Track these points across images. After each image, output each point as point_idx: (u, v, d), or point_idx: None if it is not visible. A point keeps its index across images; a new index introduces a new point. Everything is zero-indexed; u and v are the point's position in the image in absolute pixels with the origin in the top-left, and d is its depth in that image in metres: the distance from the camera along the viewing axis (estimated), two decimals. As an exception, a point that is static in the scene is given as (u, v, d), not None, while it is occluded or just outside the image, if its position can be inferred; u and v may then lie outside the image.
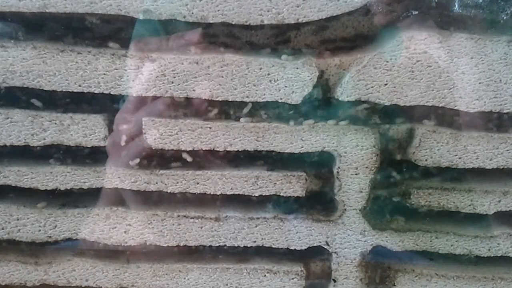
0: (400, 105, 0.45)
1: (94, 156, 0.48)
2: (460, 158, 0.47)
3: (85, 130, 0.46)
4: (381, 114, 0.47)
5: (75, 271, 0.50)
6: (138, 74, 0.44)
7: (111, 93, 0.45)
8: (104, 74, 0.44)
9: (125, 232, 0.49)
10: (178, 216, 0.49)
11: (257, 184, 0.48)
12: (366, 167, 0.47)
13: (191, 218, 0.49)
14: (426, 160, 0.47)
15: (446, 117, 0.47)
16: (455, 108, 0.45)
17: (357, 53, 0.45)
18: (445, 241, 0.49)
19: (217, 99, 0.45)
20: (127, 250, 0.50)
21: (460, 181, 0.48)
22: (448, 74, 0.44)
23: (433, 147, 0.46)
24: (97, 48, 0.44)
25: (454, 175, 0.48)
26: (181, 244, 0.49)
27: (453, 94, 0.44)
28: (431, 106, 0.45)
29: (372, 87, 0.44)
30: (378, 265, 0.51)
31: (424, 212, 0.49)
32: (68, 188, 0.48)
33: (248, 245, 0.49)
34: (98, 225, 0.48)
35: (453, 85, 0.44)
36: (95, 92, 0.45)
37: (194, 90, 0.44)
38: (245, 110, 0.45)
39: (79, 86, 0.44)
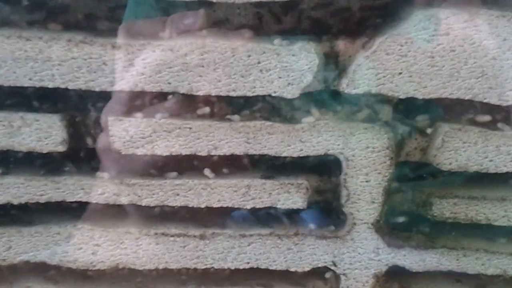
0: (418, 98, 0.42)
1: (52, 164, 0.45)
2: (491, 161, 0.44)
3: (39, 132, 0.43)
4: (395, 109, 0.45)
5: (35, 300, 0.49)
6: (100, 64, 0.41)
7: (69, 87, 0.41)
8: (59, 64, 0.41)
9: (92, 253, 0.46)
10: (156, 234, 0.46)
11: (249, 195, 0.45)
12: (379, 173, 0.45)
13: (171, 236, 0.46)
14: (450, 163, 0.44)
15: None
16: (485, 101, 0.42)
17: (365, 36, 0.42)
18: (474, 259, 0.47)
19: (197, 94, 0.42)
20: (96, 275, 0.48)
21: (492, 188, 0.46)
22: (476, 60, 0.41)
23: (459, 148, 0.44)
24: (50, 33, 0.41)
25: (484, 181, 0.46)
26: (160, 267, 0.47)
27: (481, 85, 0.41)
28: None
29: (384, 77, 0.42)
30: (395, 288, 0.50)
31: (449, 225, 0.47)
32: (22, 202, 0.45)
33: (240, 267, 0.47)
34: (60, 246, 0.46)
35: (481, 74, 0.41)
36: (49, 86, 0.41)
37: (169, 83, 0.41)
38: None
39: (30, 79, 0.41)
